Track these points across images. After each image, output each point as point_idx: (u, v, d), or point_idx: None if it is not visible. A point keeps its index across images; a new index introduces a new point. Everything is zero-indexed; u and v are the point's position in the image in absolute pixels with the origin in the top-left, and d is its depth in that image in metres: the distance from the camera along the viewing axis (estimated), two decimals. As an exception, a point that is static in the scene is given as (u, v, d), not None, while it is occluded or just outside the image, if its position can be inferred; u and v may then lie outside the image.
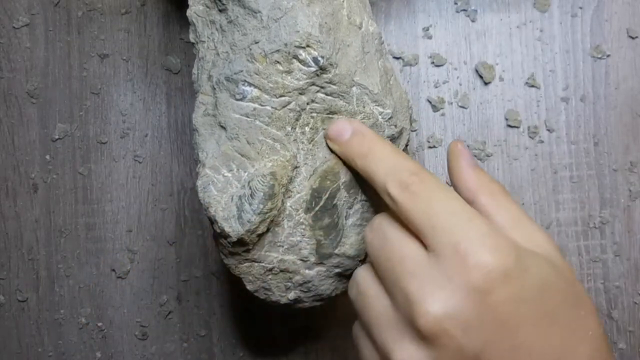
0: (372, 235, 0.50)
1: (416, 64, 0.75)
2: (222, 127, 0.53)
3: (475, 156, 0.73)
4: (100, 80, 0.75)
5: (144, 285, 0.75)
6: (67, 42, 0.75)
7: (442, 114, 0.74)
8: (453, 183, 0.51)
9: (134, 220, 0.75)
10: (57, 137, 0.75)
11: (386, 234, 0.48)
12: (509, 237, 0.45)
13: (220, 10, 0.54)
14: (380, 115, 0.54)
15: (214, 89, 0.54)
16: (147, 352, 0.75)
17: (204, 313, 0.75)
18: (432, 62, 0.75)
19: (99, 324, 0.75)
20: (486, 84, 0.74)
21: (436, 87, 0.74)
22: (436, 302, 0.43)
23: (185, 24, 0.73)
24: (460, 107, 0.74)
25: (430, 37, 0.75)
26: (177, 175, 0.75)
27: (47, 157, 0.75)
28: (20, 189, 0.75)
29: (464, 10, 0.74)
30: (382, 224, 0.49)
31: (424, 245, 0.46)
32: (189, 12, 0.57)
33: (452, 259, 0.43)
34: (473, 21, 0.74)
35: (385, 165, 0.49)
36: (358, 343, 0.51)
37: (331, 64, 0.51)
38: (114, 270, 0.75)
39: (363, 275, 0.50)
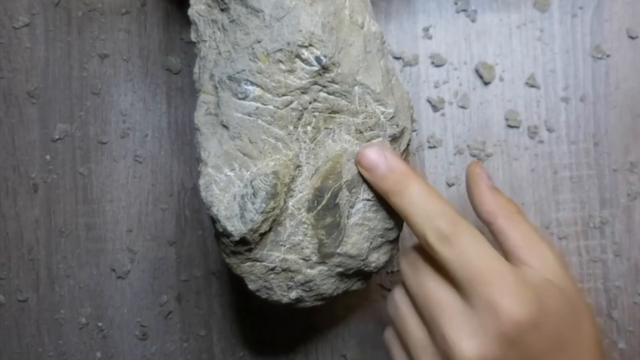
0: (408, 268, 0.55)
1: (416, 64, 0.75)
2: (224, 126, 0.53)
3: (475, 156, 0.74)
4: (100, 80, 0.75)
5: (144, 285, 0.75)
6: (67, 42, 0.75)
7: (442, 114, 0.74)
8: (473, 204, 0.57)
9: (134, 220, 0.75)
10: (57, 137, 0.75)
11: (422, 273, 0.53)
12: (532, 283, 0.50)
13: (222, 10, 0.54)
14: (382, 114, 0.54)
15: (216, 88, 0.53)
16: (147, 352, 0.75)
17: (204, 313, 0.75)
18: (432, 62, 0.75)
19: (99, 324, 0.75)
20: (486, 84, 0.74)
21: (436, 87, 0.74)
22: (471, 347, 0.48)
23: (186, 23, 0.73)
24: (460, 107, 0.74)
25: (430, 37, 0.75)
26: (177, 175, 0.75)
27: (47, 157, 0.75)
28: (20, 189, 0.75)
29: (464, 10, 0.75)
30: (418, 261, 0.54)
31: (458, 289, 0.50)
32: (190, 12, 0.57)
33: (486, 310, 0.48)
34: (473, 21, 0.75)
35: (421, 209, 0.52)
36: (393, 353, 0.57)
37: (333, 63, 0.51)
38: (114, 270, 0.75)
39: (401, 300, 0.56)
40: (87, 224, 0.75)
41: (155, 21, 0.75)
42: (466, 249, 0.49)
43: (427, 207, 0.52)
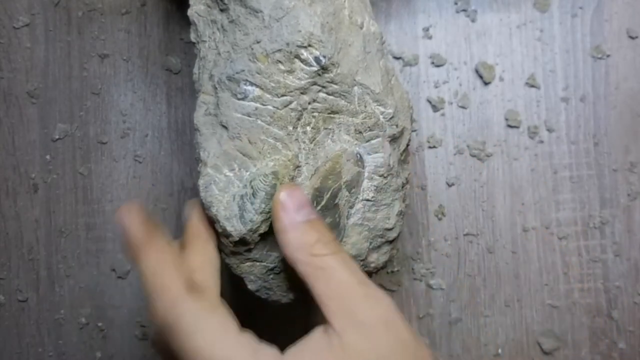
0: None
1: (416, 64, 0.75)
2: (223, 126, 0.53)
3: (475, 156, 0.74)
4: (100, 80, 0.75)
5: (144, 285, 0.75)
6: (67, 42, 0.75)
7: (442, 114, 0.74)
8: (279, 237, 0.49)
9: (134, 220, 0.75)
10: (57, 137, 0.75)
11: None
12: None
13: (221, 10, 0.54)
14: (381, 115, 0.54)
15: (216, 88, 0.53)
16: (147, 352, 0.75)
17: (204, 313, 0.75)
18: (432, 62, 0.75)
19: (99, 324, 0.75)
20: (486, 84, 0.74)
21: (436, 87, 0.74)
22: None
23: (185, 24, 0.73)
24: (460, 107, 0.74)
25: (430, 37, 0.75)
26: (177, 175, 0.75)
27: (48, 157, 0.75)
28: (20, 189, 0.75)
29: (464, 10, 0.75)
30: None
31: None
32: (190, 12, 0.57)
33: None
34: (473, 21, 0.75)
35: (150, 284, 0.48)
36: None
37: (333, 64, 0.51)
38: (114, 270, 0.75)
39: None
40: (87, 224, 0.75)
41: (155, 21, 0.76)
42: (185, 336, 0.45)
43: (155, 282, 0.47)
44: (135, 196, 0.75)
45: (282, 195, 0.49)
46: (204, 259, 0.52)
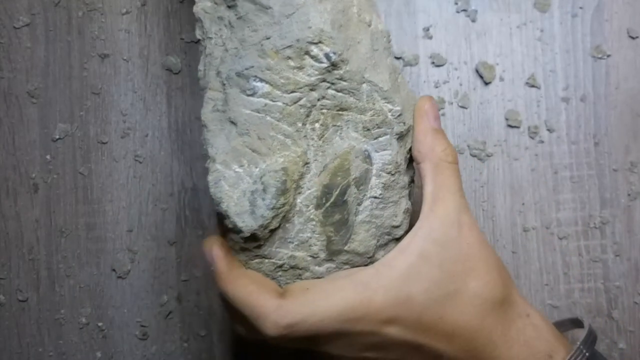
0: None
1: (416, 64, 0.75)
2: (232, 122, 0.53)
3: (475, 156, 0.74)
4: (100, 80, 0.75)
5: (144, 285, 0.75)
6: (67, 42, 0.75)
7: (442, 114, 0.74)
8: (412, 140, 0.57)
9: (135, 220, 0.75)
10: (57, 137, 0.75)
11: None
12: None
13: (229, 7, 0.54)
14: (389, 112, 0.54)
15: (224, 84, 0.53)
16: (147, 352, 0.75)
17: (204, 313, 0.75)
18: (432, 62, 0.75)
19: (99, 324, 0.75)
20: (486, 84, 0.74)
21: (436, 87, 0.75)
22: None
23: (186, 23, 0.73)
24: (461, 107, 0.74)
25: (430, 37, 0.75)
26: (177, 175, 0.75)
27: (48, 157, 0.75)
28: (20, 189, 0.75)
29: (464, 10, 0.75)
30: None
31: None
32: (195, 9, 0.57)
33: None
34: (473, 21, 0.75)
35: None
36: None
37: (342, 61, 0.51)
38: (114, 270, 0.75)
39: None
40: (87, 223, 0.75)
41: (155, 21, 0.75)
42: (319, 315, 0.51)
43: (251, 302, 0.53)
44: (136, 196, 0.75)
45: (427, 105, 0.57)
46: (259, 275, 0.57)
